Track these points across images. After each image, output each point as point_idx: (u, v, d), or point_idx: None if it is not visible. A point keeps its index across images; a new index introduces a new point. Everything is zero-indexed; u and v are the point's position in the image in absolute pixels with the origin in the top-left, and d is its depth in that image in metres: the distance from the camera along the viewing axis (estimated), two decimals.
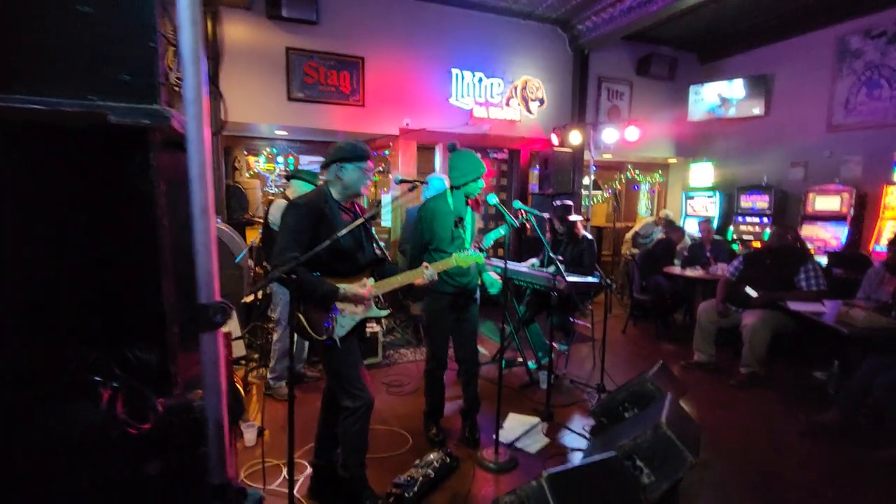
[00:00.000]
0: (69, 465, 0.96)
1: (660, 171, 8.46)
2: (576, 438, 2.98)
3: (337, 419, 2.17)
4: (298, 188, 3.41)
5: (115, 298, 1.04)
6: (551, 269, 3.52)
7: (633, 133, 5.66)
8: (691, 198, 7.15)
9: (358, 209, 2.24)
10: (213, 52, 4.69)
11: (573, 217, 4.02)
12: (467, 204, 2.75)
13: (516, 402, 3.47)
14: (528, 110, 6.22)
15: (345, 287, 2.02)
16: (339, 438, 2.15)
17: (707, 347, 4.18)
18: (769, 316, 3.75)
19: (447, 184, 2.77)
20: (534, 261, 4.12)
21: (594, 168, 8.21)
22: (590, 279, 3.63)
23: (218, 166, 4.91)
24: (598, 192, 8.39)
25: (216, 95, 4.73)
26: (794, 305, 3.56)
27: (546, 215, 4.13)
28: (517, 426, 3.06)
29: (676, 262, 5.58)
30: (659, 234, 6.15)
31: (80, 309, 1.01)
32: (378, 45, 5.44)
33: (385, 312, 2.17)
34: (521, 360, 3.99)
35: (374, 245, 2.22)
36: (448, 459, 2.59)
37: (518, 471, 2.65)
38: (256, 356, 4.02)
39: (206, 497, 0.97)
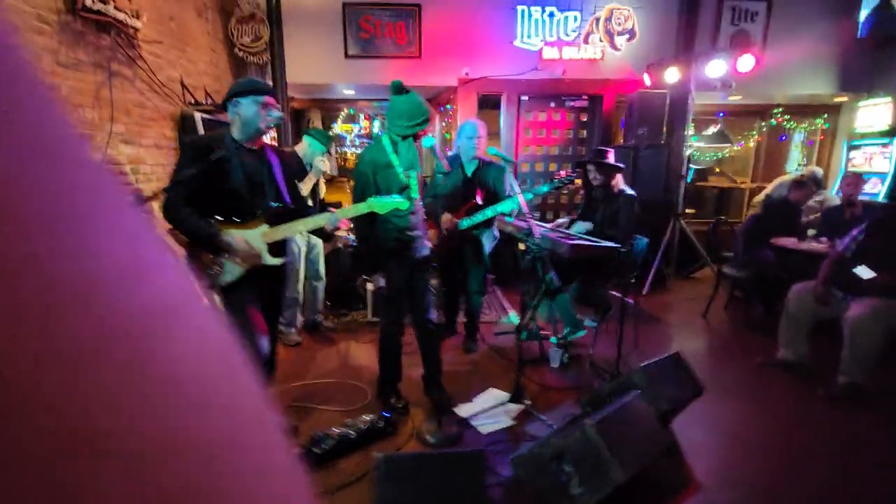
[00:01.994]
0: None
1: (825, 116, 6.47)
2: (544, 427, 2.53)
3: None
4: (307, 145, 3.45)
5: None
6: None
7: (746, 63, 4.34)
8: (855, 147, 5.31)
9: (269, 152, 2.13)
10: (276, 16, 4.95)
11: (611, 159, 3.26)
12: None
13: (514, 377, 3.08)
14: (614, 46, 5.23)
15: (231, 233, 1.96)
16: None
17: (796, 343, 3.11)
18: (885, 308, 2.60)
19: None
20: (563, 220, 3.53)
21: (721, 115, 6.70)
22: (606, 244, 2.95)
23: (284, 128, 5.27)
24: (727, 146, 6.78)
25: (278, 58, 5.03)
26: None
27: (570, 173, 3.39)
28: (487, 401, 2.73)
29: (811, 232, 4.21)
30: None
31: None
32: None
33: (279, 261, 2.06)
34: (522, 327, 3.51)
35: (279, 190, 2.10)
36: (382, 424, 2.44)
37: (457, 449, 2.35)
38: None
39: None
